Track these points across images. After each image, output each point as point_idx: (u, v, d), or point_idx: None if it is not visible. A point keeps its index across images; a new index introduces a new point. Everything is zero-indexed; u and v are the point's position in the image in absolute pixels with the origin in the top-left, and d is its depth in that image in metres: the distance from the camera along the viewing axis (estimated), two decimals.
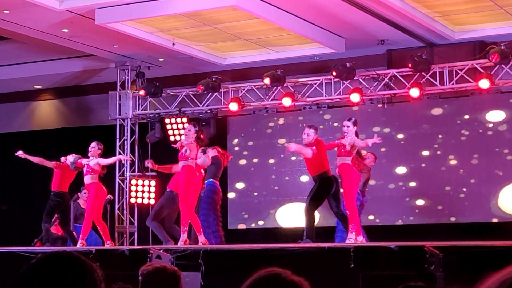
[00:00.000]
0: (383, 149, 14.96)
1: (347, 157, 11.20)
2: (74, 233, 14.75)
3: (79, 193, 15.08)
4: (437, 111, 15.26)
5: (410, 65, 14.08)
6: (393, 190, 15.45)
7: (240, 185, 16.84)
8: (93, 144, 13.38)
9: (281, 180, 16.38)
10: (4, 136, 19.44)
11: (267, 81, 14.90)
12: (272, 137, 16.59)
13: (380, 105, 15.42)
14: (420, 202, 15.22)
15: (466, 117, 15.02)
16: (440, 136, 15.18)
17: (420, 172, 15.26)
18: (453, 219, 14.94)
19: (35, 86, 19.05)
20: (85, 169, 13.16)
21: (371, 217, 15.23)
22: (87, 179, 13.16)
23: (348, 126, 11.38)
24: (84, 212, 15.05)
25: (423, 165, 15.26)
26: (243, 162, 16.80)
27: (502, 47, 13.50)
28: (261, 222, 16.46)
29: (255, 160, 16.71)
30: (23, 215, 18.40)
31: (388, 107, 15.47)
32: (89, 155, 13.29)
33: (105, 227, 13.47)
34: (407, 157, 15.40)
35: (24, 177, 18.69)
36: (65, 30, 14.53)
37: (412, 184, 15.31)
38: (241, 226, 16.71)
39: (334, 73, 14.52)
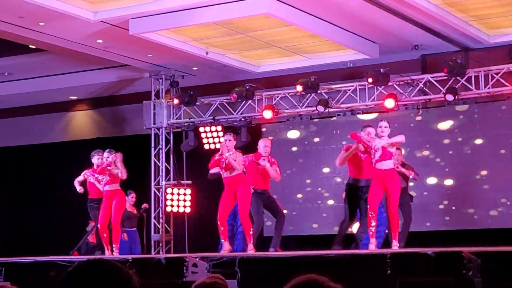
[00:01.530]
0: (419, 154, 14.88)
1: (389, 161, 11.13)
2: (124, 234, 14.84)
3: (125, 197, 15.16)
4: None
5: (445, 70, 13.97)
6: (426, 196, 15.36)
7: (275, 192, 16.82)
8: (106, 154, 13.07)
9: (316, 186, 16.33)
10: (41, 146, 19.62)
11: (299, 88, 14.91)
12: (306, 143, 16.57)
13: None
14: (453, 207, 15.13)
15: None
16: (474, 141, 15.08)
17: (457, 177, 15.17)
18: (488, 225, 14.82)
19: (71, 97, 19.21)
20: (107, 178, 12.93)
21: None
22: (114, 186, 12.95)
23: (386, 127, 11.18)
24: (131, 216, 15.15)
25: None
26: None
27: None
28: (297, 229, 16.41)
29: (289, 167, 16.68)
30: (61, 225, 18.54)
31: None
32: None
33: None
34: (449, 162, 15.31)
35: (62, 187, 18.84)
36: (100, 41, 14.64)
37: (447, 189, 15.21)
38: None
39: (370, 80, 14.45)
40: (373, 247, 10.79)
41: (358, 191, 11.51)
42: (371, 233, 10.91)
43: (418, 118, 15.41)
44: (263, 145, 12.45)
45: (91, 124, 19.54)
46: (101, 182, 12.89)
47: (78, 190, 13.23)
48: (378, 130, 11.20)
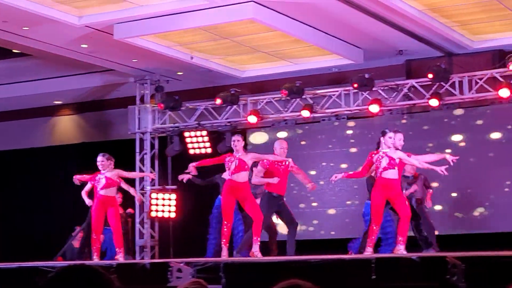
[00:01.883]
0: None
1: (395, 170, 10.69)
2: (102, 235, 14.73)
3: None
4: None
5: (431, 75, 14.02)
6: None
7: None
8: (100, 157, 12.43)
9: (301, 190, 16.33)
10: (25, 151, 19.54)
11: (284, 93, 14.94)
12: (292, 147, 16.55)
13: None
14: (439, 211, 15.16)
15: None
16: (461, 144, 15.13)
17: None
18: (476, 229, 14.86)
19: (55, 102, 19.15)
20: (103, 182, 12.43)
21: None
22: (109, 192, 12.44)
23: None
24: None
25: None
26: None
27: None
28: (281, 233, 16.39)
29: None
30: (43, 229, 18.45)
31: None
32: (101, 168, 12.40)
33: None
34: None
35: (47, 191, 18.78)
36: (84, 46, 14.61)
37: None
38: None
39: (355, 85, 14.47)
40: None
41: None
42: (370, 243, 10.75)
43: (404, 121, 15.40)
44: (279, 147, 11.95)
45: (76, 129, 19.48)
46: (97, 185, 12.36)
47: (87, 203, 12.68)
48: (388, 140, 10.74)
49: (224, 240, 11.43)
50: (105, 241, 14.83)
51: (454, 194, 15.18)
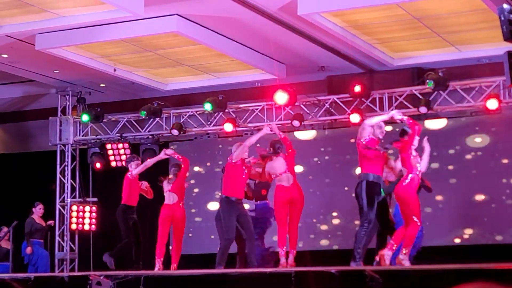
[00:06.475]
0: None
1: None
2: (29, 247, 14.57)
3: (33, 208, 14.93)
4: None
5: (358, 87, 14.19)
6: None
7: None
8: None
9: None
10: None
11: (207, 107, 14.98)
12: (214, 162, 16.61)
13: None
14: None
15: None
16: None
17: None
18: None
19: None
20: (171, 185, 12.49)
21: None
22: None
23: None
24: (39, 228, 14.84)
25: None
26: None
27: (440, 74, 13.76)
28: (204, 248, 16.38)
29: (197, 186, 16.69)
30: None
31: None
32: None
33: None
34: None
35: None
36: (5, 56, 14.41)
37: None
38: (184, 252, 16.62)
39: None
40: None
41: None
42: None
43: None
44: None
45: None
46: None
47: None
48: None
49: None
50: (33, 252, 14.69)
51: None
